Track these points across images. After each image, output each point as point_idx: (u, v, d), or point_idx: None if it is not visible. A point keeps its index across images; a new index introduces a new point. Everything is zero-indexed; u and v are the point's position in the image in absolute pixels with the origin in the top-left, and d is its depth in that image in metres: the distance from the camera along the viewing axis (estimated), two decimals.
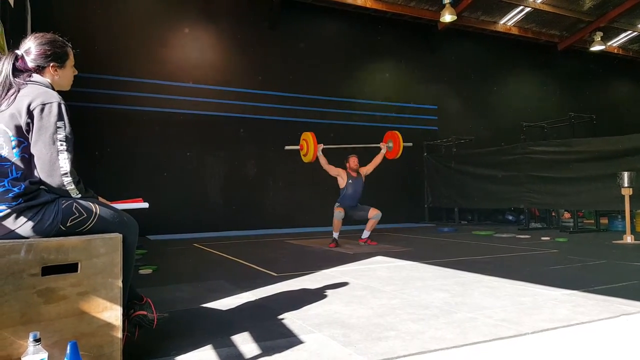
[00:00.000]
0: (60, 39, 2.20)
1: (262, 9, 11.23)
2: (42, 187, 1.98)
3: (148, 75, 9.96)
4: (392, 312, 2.91)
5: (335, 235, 6.92)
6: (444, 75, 13.66)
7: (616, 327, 2.53)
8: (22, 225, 1.90)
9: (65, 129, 1.97)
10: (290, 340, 2.39)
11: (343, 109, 11.96)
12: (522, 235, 8.38)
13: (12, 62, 2.07)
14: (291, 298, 3.45)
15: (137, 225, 2.19)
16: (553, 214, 10.46)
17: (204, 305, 3.24)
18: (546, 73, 15.87)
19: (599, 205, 8.64)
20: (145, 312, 2.28)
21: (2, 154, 1.94)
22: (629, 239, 6.90)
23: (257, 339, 2.41)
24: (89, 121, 9.00)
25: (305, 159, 7.40)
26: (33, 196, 1.94)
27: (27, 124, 1.94)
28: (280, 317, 2.85)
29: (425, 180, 12.70)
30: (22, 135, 1.95)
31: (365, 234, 7.16)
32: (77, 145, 2.05)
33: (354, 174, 7.10)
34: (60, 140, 1.95)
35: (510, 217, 11.74)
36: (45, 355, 1.59)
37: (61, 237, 1.93)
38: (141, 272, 4.66)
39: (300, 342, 2.35)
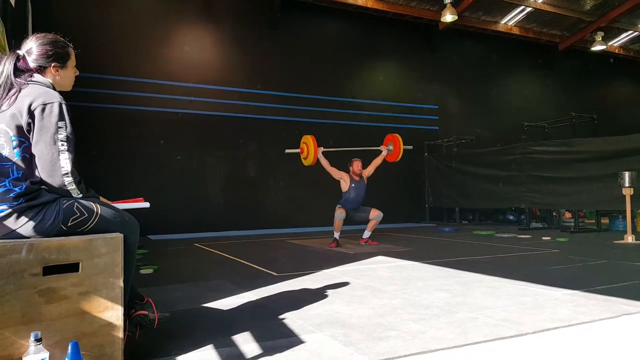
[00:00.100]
0: (62, 39, 2.20)
1: (263, 8, 11.24)
2: (43, 187, 1.98)
3: (149, 75, 9.96)
4: (393, 312, 2.91)
5: (336, 235, 6.92)
6: (444, 75, 13.66)
7: (617, 327, 2.53)
8: (23, 225, 1.91)
9: (66, 129, 1.97)
10: (291, 340, 2.39)
11: (344, 109, 11.96)
12: (523, 235, 8.37)
13: (14, 62, 2.07)
14: (292, 298, 3.45)
15: (138, 225, 2.19)
16: (554, 213, 10.45)
17: (205, 305, 3.25)
18: (547, 73, 15.87)
19: (600, 205, 8.63)
20: (146, 312, 2.28)
21: (3, 154, 1.94)
22: (630, 238, 6.89)
23: (258, 338, 2.41)
24: (90, 121, 9.01)
25: (306, 162, 7.39)
26: (34, 196, 1.94)
27: (28, 124, 1.94)
28: (281, 316, 2.85)
29: (426, 180, 12.70)
30: (23, 135, 1.95)
31: (366, 234, 7.16)
32: (78, 145, 2.05)
33: (357, 178, 7.09)
34: (61, 140, 1.95)
35: (511, 217, 11.73)
36: (46, 355, 1.59)
37: (62, 237, 1.93)
38: (142, 271, 4.66)
39: (301, 341, 2.35)
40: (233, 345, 2.32)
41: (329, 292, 3.58)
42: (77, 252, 1.89)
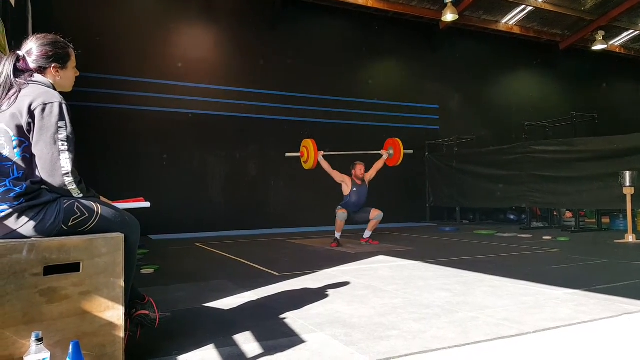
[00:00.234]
0: (62, 40, 2.20)
1: (264, 8, 11.24)
2: (43, 186, 1.98)
3: (149, 75, 9.96)
4: (393, 312, 2.91)
5: (337, 235, 6.92)
6: (445, 74, 13.65)
7: (618, 326, 2.53)
8: (24, 225, 1.91)
9: (66, 129, 1.97)
10: (292, 339, 2.39)
11: (344, 109, 11.96)
12: (524, 234, 8.37)
13: (14, 62, 2.07)
14: (293, 297, 3.45)
15: (138, 224, 2.19)
16: (555, 213, 10.45)
17: (206, 304, 3.25)
18: (548, 72, 15.86)
19: (600, 204, 8.62)
20: (147, 312, 2.28)
21: (4, 154, 1.94)
22: (630, 238, 6.89)
23: (259, 338, 2.42)
24: (91, 121, 9.01)
25: (306, 166, 7.39)
26: (35, 196, 1.94)
27: (28, 124, 1.94)
28: (282, 316, 2.85)
29: (427, 179, 12.70)
30: (23, 135, 1.95)
31: (367, 233, 7.16)
32: (78, 145, 2.05)
33: (359, 182, 7.08)
34: (62, 140, 1.95)
35: (512, 217, 11.73)
36: (47, 354, 1.59)
37: (63, 237, 1.93)
38: (143, 271, 4.66)
39: (302, 341, 2.35)
40: (234, 344, 2.33)
41: (330, 291, 3.58)
42: (78, 252, 1.89)
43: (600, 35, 14.24)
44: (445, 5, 11.74)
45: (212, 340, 2.40)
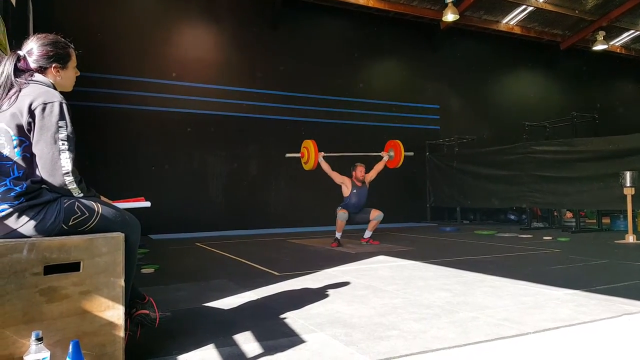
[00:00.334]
0: (63, 40, 2.20)
1: (264, 8, 11.23)
2: (43, 186, 1.98)
3: (150, 75, 9.96)
4: (394, 312, 2.91)
5: (338, 235, 6.92)
6: (446, 74, 13.64)
7: (618, 326, 2.53)
8: (24, 225, 1.91)
9: (66, 129, 1.97)
10: (292, 339, 2.39)
11: (345, 108, 11.96)
12: (524, 234, 8.36)
13: (14, 62, 2.07)
14: (293, 297, 3.45)
15: (139, 224, 2.19)
16: (555, 213, 10.44)
17: (206, 304, 3.25)
18: (548, 72, 15.86)
19: (601, 204, 8.62)
20: (147, 311, 2.28)
21: (4, 153, 1.94)
22: (631, 238, 6.88)
23: (259, 338, 2.42)
24: (91, 120, 9.01)
25: (306, 167, 7.39)
26: (35, 195, 1.94)
27: (29, 123, 1.94)
28: (282, 316, 2.85)
29: (427, 179, 12.70)
30: (24, 135, 1.95)
31: (367, 233, 7.16)
32: (79, 145, 2.05)
33: (359, 184, 7.07)
34: (62, 140, 1.95)
35: (512, 217, 11.72)
36: (47, 354, 1.59)
37: (63, 236, 1.93)
38: (143, 271, 4.67)
39: (302, 341, 2.35)
40: (234, 344, 2.33)
41: (330, 291, 3.58)
42: (78, 251, 1.89)
43: (601, 35, 14.23)
44: (446, 5, 11.73)
45: (212, 340, 2.40)
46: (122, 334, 1.95)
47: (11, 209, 1.89)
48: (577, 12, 13.59)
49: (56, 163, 1.94)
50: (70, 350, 1.61)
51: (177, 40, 10.40)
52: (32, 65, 2.10)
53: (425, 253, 5.90)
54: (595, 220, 9.75)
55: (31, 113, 1.94)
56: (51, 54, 2.13)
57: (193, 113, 10.29)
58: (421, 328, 2.53)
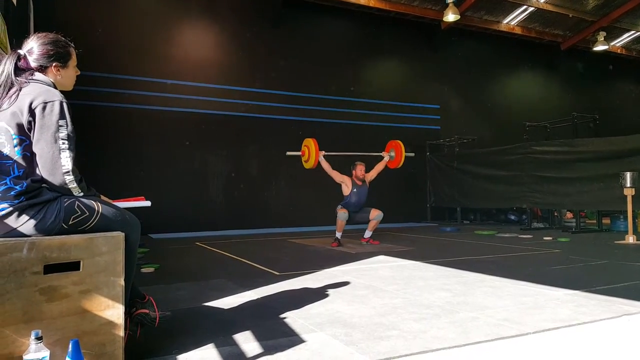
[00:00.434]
0: (63, 38, 2.20)
1: (266, 7, 11.23)
2: (44, 185, 1.98)
3: (150, 74, 9.96)
4: (394, 312, 2.90)
5: (338, 234, 6.91)
6: (446, 74, 13.65)
7: (618, 327, 2.53)
8: (25, 224, 1.91)
9: (67, 128, 1.97)
10: (292, 339, 2.39)
11: (345, 108, 11.95)
12: (524, 235, 8.36)
13: (15, 61, 2.07)
14: (293, 297, 3.45)
15: (139, 223, 2.19)
16: (555, 214, 10.44)
17: (206, 304, 3.25)
18: (549, 73, 15.86)
19: (601, 205, 8.62)
20: (147, 311, 2.28)
21: (4, 152, 1.94)
22: (631, 239, 6.88)
23: (259, 337, 2.42)
24: (91, 119, 9.00)
25: (307, 165, 7.39)
26: (35, 194, 1.94)
27: (29, 122, 1.94)
28: (282, 316, 2.85)
29: (428, 179, 12.70)
30: (24, 134, 1.95)
31: (368, 233, 7.16)
32: (79, 144, 2.05)
33: (359, 183, 7.07)
34: (62, 139, 1.95)
35: (513, 217, 11.71)
36: (47, 353, 1.59)
37: (63, 236, 1.93)
38: (143, 270, 4.66)
39: (302, 341, 2.35)
40: (234, 344, 2.33)
41: (330, 291, 3.58)
42: (78, 250, 1.89)
43: (601, 36, 14.23)
44: (447, 5, 11.73)
45: (212, 339, 2.40)
46: (121, 333, 1.95)
47: (11, 208, 1.89)
48: (577, 12, 13.58)
49: (56, 162, 1.94)
50: (69, 349, 1.60)
51: (178, 40, 10.40)
52: (33, 64, 2.10)
53: (425, 253, 5.90)
54: (595, 221, 9.74)
55: (31, 112, 1.93)
56: (52, 52, 2.12)
57: (193, 112, 10.29)
58: (421, 328, 2.53)
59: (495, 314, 2.80)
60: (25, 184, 1.91)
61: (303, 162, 7.48)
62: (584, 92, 16.25)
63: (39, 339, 1.58)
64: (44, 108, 1.94)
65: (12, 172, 1.93)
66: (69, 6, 9.35)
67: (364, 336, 2.41)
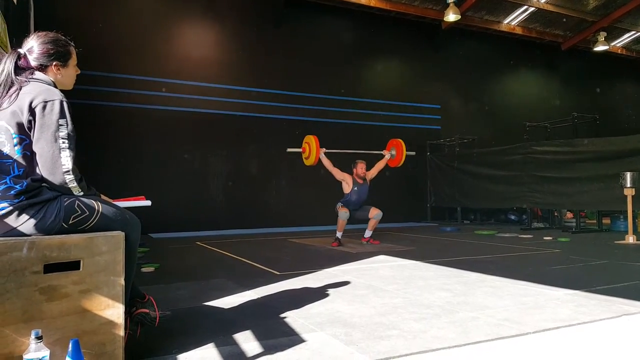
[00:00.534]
0: (63, 37, 2.20)
1: (266, 7, 11.23)
2: (44, 184, 1.97)
3: (151, 73, 9.97)
4: (394, 311, 2.90)
5: (339, 234, 6.91)
6: (447, 74, 13.64)
7: (618, 327, 2.53)
8: (24, 223, 1.90)
9: (67, 127, 1.97)
10: (292, 338, 2.39)
11: (346, 108, 11.96)
12: (525, 235, 8.36)
13: (15, 60, 2.07)
14: (293, 297, 3.45)
15: (139, 223, 2.19)
16: (555, 214, 10.44)
17: (206, 303, 3.25)
18: (549, 73, 15.85)
19: (601, 205, 8.62)
20: (147, 310, 2.28)
21: (4, 151, 1.94)
22: (631, 239, 6.88)
23: (259, 337, 2.41)
24: (91, 119, 9.00)
25: (307, 162, 7.38)
26: (35, 194, 1.93)
27: (29, 122, 1.94)
28: (283, 315, 2.85)
29: (428, 179, 12.70)
30: (24, 133, 1.95)
31: (368, 233, 7.15)
32: (79, 143, 2.05)
33: (360, 181, 7.06)
34: (62, 138, 1.95)
35: (513, 217, 11.71)
36: (47, 352, 1.59)
37: (63, 235, 1.92)
38: (143, 270, 4.66)
39: (302, 340, 2.35)
40: (234, 343, 2.32)
41: (331, 291, 3.58)
42: (78, 250, 1.89)
43: (602, 36, 14.22)
44: (448, 5, 11.73)
45: (212, 339, 2.40)
46: (122, 332, 1.95)
47: (11, 207, 1.89)
48: (578, 12, 13.58)
49: (57, 161, 1.94)
50: (69, 349, 1.60)
51: (179, 39, 10.40)
52: (33, 63, 2.10)
53: (425, 253, 5.90)
54: (595, 221, 9.74)
55: (32, 111, 1.93)
56: (52, 52, 2.12)
57: (194, 112, 10.29)
58: (421, 328, 2.53)
59: (496, 313, 2.80)
60: (25, 183, 1.91)
61: (304, 159, 7.47)
62: (584, 92, 16.24)
63: (39, 338, 1.58)
64: (44, 107, 1.94)
65: (12, 171, 1.93)
66: (69, 5, 9.35)
67: (364, 336, 2.40)
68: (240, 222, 10.28)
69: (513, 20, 13.89)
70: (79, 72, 2.29)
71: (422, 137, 12.60)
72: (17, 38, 4.31)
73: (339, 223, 6.89)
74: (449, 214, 12.73)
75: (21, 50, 2.11)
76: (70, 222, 1.96)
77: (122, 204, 2.31)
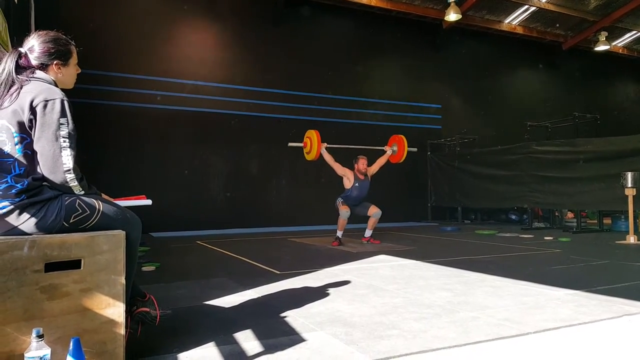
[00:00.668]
0: (64, 37, 2.20)
1: (267, 6, 11.23)
2: (45, 183, 1.98)
3: (152, 73, 9.97)
4: (394, 311, 2.90)
5: (339, 233, 6.90)
6: (448, 74, 13.63)
7: (618, 327, 2.53)
8: (25, 222, 1.91)
9: (68, 126, 1.97)
10: (292, 338, 2.39)
11: (347, 107, 11.95)
12: (525, 234, 8.36)
13: (15, 59, 2.07)
14: (294, 296, 3.45)
15: (140, 222, 2.19)
16: (556, 213, 10.43)
17: (207, 302, 3.25)
18: (550, 73, 15.84)
19: (602, 205, 8.62)
20: (148, 309, 2.28)
21: (5, 150, 1.94)
22: (632, 239, 6.88)
23: (260, 336, 2.42)
24: (92, 118, 9.01)
25: (308, 157, 7.37)
26: (36, 192, 1.94)
27: (30, 120, 1.94)
28: (283, 315, 2.85)
29: (429, 179, 12.70)
30: (25, 132, 1.95)
31: (368, 232, 7.14)
32: (80, 142, 2.05)
33: (362, 177, 7.04)
34: (63, 137, 1.95)
35: (513, 217, 11.71)
36: (48, 351, 1.59)
37: (64, 234, 1.93)
38: (144, 269, 4.67)
39: (302, 340, 2.35)
40: (235, 342, 2.33)
41: (331, 290, 3.58)
42: (79, 248, 1.90)
43: (603, 36, 14.21)
44: (449, 4, 11.72)
45: (212, 338, 2.40)
46: (122, 331, 1.95)
47: (12, 206, 1.89)
48: (579, 12, 13.56)
49: (57, 160, 1.94)
50: (70, 347, 1.61)
51: (179, 38, 10.40)
52: (34, 62, 2.10)
53: (426, 252, 5.90)
54: (596, 221, 9.73)
55: (32, 110, 1.93)
56: (52, 51, 2.12)
57: (195, 111, 10.29)
58: (421, 327, 2.53)
59: (496, 313, 2.80)
60: (26, 182, 1.91)
61: (305, 153, 7.46)
62: (585, 92, 16.23)
63: (40, 336, 1.58)
64: (45, 106, 1.94)
65: (13, 170, 1.93)
66: (70, 4, 9.35)
67: (364, 335, 2.41)
68: (240, 222, 10.28)
69: (514, 19, 13.88)
70: (80, 71, 2.29)
71: (422, 136, 12.60)
72: (17, 37, 4.32)
73: (340, 222, 6.88)
74: (449, 213, 12.73)
75: (22, 49, 2.12)
76: (71, 221, 1.96)
77: (123, 203, 2.31)
